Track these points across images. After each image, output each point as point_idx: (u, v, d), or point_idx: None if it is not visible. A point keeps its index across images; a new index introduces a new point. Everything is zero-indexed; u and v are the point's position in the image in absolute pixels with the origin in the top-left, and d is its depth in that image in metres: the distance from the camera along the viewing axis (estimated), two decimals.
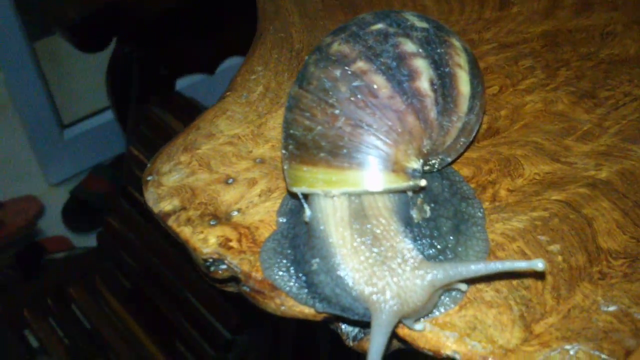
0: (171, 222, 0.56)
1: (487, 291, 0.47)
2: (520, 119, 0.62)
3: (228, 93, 0.71)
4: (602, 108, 0.62)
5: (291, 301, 0.49)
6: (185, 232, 0.55)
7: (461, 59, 0.48)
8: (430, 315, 0.46)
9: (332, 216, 0.46)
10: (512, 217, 0.52)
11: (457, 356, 0.44)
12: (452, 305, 0.46)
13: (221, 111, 0.69)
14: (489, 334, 0.45)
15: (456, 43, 0.48)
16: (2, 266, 1.60)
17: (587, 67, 0.68)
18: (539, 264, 0.43)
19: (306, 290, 0.48)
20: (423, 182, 0.46)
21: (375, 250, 0.45)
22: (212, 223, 0.55)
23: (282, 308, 0.50)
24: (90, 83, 1.92)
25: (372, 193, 0.45)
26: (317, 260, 0.46)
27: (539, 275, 0.47)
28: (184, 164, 0.62)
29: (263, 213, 0.55)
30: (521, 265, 0.44)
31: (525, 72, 0.68)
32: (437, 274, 0.44)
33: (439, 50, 0.47)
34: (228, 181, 0.59)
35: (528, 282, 0.47)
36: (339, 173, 0.44)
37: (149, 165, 0.64)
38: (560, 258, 0.49)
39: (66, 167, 2.10)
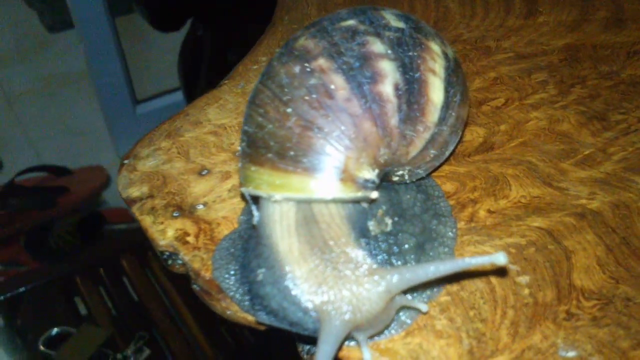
0: (135, 209, 0.55)
1: (440, 319, 0.43)
2: (519, 135, 0.57)
3: (225, 81, 0.69)
4: (610, 132, 0.57)
5: (236, 306, 0.46)
6: (147, 221, 0.53)
7: (436, 65, 0.44)
8: (382, 335, 0.43)
9: (279, 223, 0.43)
10: (485, 241, 0.48)
11: None
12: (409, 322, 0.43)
13: (214, 99, 0.66)
14: None
15: (434, 47, 0.45)
16: (64, 232, 1.64)
17: (604, 86, 0.63)
18: (501, 258, 0.39)
19: (248, 298, 0.45)
20: (374, 195, 0.42)
21: (326, 257, 0.41)
22: (175, 214, 0.53)
23: (228, 312, 0.48)
24: (165, 62, 1.94)
25: (319, 201, 0.42)
26: (264, 270, 0.43)
27: (500, 308, 0.43)
28: (163, 150, 0.60)
29: (228, 209, 0.53)
30: (482, 260, 0.40)
31: (537, 87, 0.63)
32: (392, 278, 0.40)
33: (410, 53, 0.43)
34: (202, 172, 0.57)
35: (486, 314, 0.43)
36: (283, 176, 0.41)
37: (131, 148, 0.62)
38: (527, 291, 0.45)
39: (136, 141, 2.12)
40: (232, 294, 0.46)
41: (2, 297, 1.26)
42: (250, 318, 0.46)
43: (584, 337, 0.42)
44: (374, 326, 0.42)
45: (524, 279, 0.45)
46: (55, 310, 1.24)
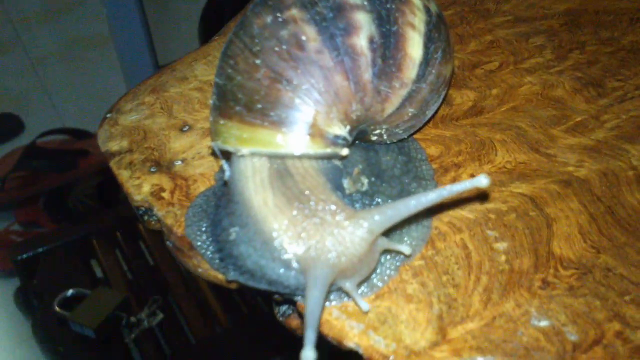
0: (113, 163, 0.54)
1: (411, 283, 0.42)
2: (510, 100, 0.55)
3: (216, 37, 0.67)
4: (605, 99, 0.55)
5: (207, 264, 0.45)
6: (123, 175, 0.52)
7: (416, 19, 0.42)
8: (371, 282, 0.41)
9: (251, 179, 0.41)
10: (465, 206, 0.46)
11: (359, 350, 0.40)
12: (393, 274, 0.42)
13: (202, 55, 0.65)
14: (398, 330, 0.40)
15: (415, 0, 0.43)
16: (83, 195, 1.64)
17: (603, 52, 0.60)
18: (483, 180, 0.38)
19: (219, 256, 0.44)
20: (344, 152, 0.41)
21: (304, 206, 0.40)
22: (152, 170, 0.52)
23: (199, 270, 0.46)
24: (188, 28, 1.93)
25: (288, 156, 0.40)
26: (236, 229, 0.41)
27: (474, 274, 0.42)
28: (146, 104, 0.59)
29: (207, 166, 0.52)
30: (465, 185, 0.38)
31: (533, 51, 0.61)
32: (373, 217, 0.39)
33: (388, 6, 0.41)
34: (184, 128, 0.55)
35: (459, 279, 0.42)
36: (250, 130, 0.40)
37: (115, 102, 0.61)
38: (503, 257, 0.43)
39: None
40: (203, 251, 0.45)
41: (19, 258, 1.27)
42: (220, 276, 0.45)
43: (559, 307, 0.40)
44: (360, 271, 0.40)
45: (501, 245, 0.44)
46: (72, 272, 1.25)
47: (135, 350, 1.11)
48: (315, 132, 0.39)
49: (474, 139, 0.52)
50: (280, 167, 0.41)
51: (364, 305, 0.40)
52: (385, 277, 0.42)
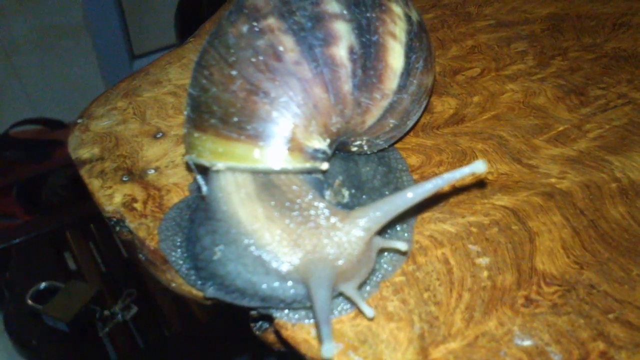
0: (84, 172, 0.52)
1: (392, 300, 0.41)
2: (492, 108, 0.54)
3: (191, 39, 0.66)
4: (588, 108, 0.54)
5: (181, 279, 0.44)
6: (94, 184, 0.51)
7: (397, 28, 0.41)
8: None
9: (235, 194, 0.39)
10: (447, 219, 0.45)
11: None
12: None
13: (177, 58, 0.63)
14: (379, 350, 0.38)
15: (395, 8, 0.41)
16: (57, 186, 1.62)
17: (585, 59, 0.59)
18: (480, 166, 0.37)
19: (198, 273, 0.42)
20: (324, 166, 0.39)
21: (295, 214, 0.38)
22: (124, 179, 0.50)
23: (173, 284, 0.45)
24: (165, 17, 1.90)
25: (266, 171, 0.39)
26: (221, 247, 0.39)
27: (456, 290, 0.41)
28: (119, 109, 0.57)
29: (180, 176, 0.50)
30: (462, 172, 0.37)
31: (515, 57, 0.60)
32: (368, 214, 0.37)
33: (368, 15, 0.39)
34: (157, 135, 0.54)
35: (441, 296, 0.41)
36: (226, 144, 0.38)
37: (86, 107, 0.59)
38: (485, 274, 0.42)
39: None
40: (178, 267, 0.43)
41: None
42: (195, 292, 0.43)
43: (542, 325, 0.39)
44: (359, 272, 0.39)
45: (483, 261, 0.43)
46: (45, 265, 1.23)
47: (109, 343, 1.10)
48: (294, 146, 0.38)
49: (455, 149, 0.51)
50: (265, 179, 0.39)
51: (369, 310, 0.38)
52: (365, 294, 0.41)
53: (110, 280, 1.22)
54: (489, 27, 0.64)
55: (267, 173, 0.39)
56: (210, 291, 0.40)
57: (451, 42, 0.62)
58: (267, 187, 0.39)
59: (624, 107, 0.54)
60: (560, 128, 0.52)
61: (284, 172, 0.39)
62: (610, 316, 0.40)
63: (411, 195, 0.37)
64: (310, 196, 0.39)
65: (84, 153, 0.53)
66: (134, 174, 0.50)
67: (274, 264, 0.38)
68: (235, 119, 0.38)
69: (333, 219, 0.38)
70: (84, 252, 1.28)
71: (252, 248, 0.39)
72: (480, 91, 0.56)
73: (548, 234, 0.44)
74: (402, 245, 0.40)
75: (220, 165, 0.38)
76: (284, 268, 0.38)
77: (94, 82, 2.05)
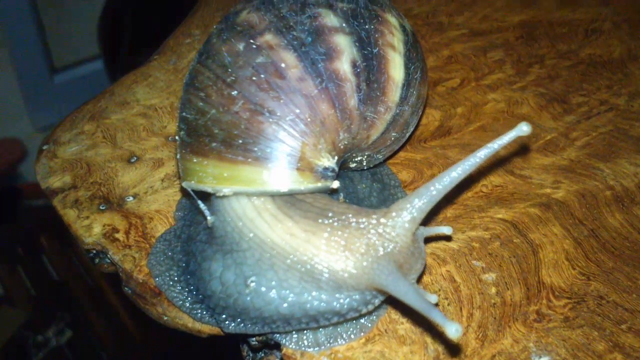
0: (56, 202, 0.48)
1: (402, 323, 0.39)
2: (477, 119, 0.54)
3: (155, 56, 0.63)
4: (572, 115, 0.54)
5: (174, 312, 0.41)
6: (70, 215, 0.47)
7: (395, 39, 0.39)
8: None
9: (259, 219, 0.37)
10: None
11: None
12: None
13: (142, 77, 0.60)
14: None
15: (391, 19, 0.40)
16: None
17: (563, 66, 0.59)
18: (524, 127, 0.36)
19: (198, 306, 0.40)
20: (335, 184, 0.38)
21: (333, 220, 0.36)
22: (101, 208, 0.47)
23: (164, 318, 0.42)
24: (85, 29, 1.84)
25: (275, 193, 0.37)
26: (254, 279, 0.37)
27: (465, 309, 0.40)
28: (87, 134, 0.54)
29: (162, 202, 0.47)
30: (507, 138, 0.37)
31: (493, 66, 0.59)
32: (411, 202, 0.36)
33: (367, 27, 0.38)
34: (131, 159, 0.51)
35: (451, 315, 0.40)
36: (231, 168, 0.36)
37: (50, 132, 0.56)
38: (494, 290, 0.41)
39: (53, 113, 2.01)
40: (180, 304, 0.41)
41: None
42: (190, 325, 0.41)
43: (557, 340, 0.38)
44: (413, 265, 0.37)
45: (489, 277, 0.42)
46: None
47: None
48: (304, 165, 0.36)
49: (445, 162, 0.50)
50: (285, 197, 0.37)
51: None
52: (374, 317, 0.39)
53: (41, 304, 1.17)
54: (462, 37, 0.63)
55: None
56: (232, 326, 0.38)
57: (427, 53, 0.61)
58: (290, 203, 0.37)
59: (607, 114, 0.54)
60: (548, 137, 0.52)
61: (294, 192, 0.37)
62: (623, 327, 0.39)
63: (459, 171, 0.36)
64: (337, 203, 0.38)
65: (55, 182, 0.49)
66: (111, 202, 0.47)
67: (326, 276, 0.36)
68: (240, 141, 0.36)
69: (375, 216, 0.36)
70: (11, 276, 1.23)
71: (298, 266, 0.36)
72: (463, 102, 0.55)
73: (550, 245, 0.44)
74: (447, 230, 0.40)
75: (226, 190, 0.36)
76: (340, 277, 0.36)
77: (13, 98, 1.98)
